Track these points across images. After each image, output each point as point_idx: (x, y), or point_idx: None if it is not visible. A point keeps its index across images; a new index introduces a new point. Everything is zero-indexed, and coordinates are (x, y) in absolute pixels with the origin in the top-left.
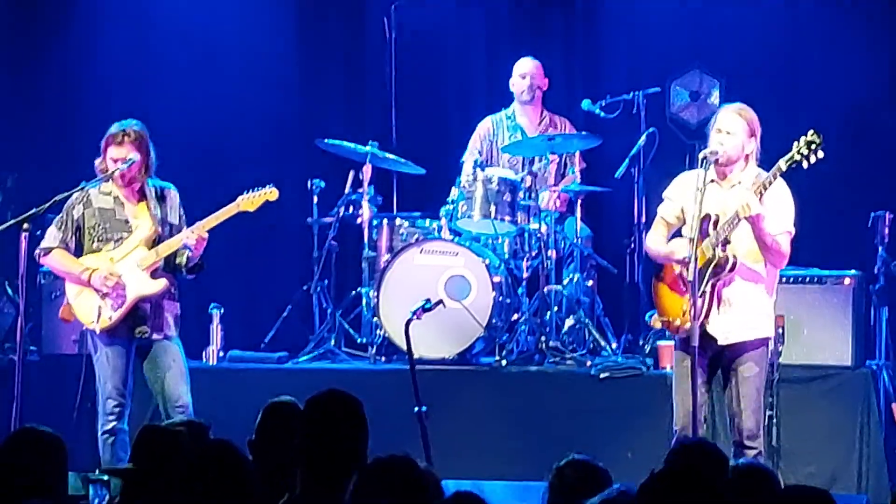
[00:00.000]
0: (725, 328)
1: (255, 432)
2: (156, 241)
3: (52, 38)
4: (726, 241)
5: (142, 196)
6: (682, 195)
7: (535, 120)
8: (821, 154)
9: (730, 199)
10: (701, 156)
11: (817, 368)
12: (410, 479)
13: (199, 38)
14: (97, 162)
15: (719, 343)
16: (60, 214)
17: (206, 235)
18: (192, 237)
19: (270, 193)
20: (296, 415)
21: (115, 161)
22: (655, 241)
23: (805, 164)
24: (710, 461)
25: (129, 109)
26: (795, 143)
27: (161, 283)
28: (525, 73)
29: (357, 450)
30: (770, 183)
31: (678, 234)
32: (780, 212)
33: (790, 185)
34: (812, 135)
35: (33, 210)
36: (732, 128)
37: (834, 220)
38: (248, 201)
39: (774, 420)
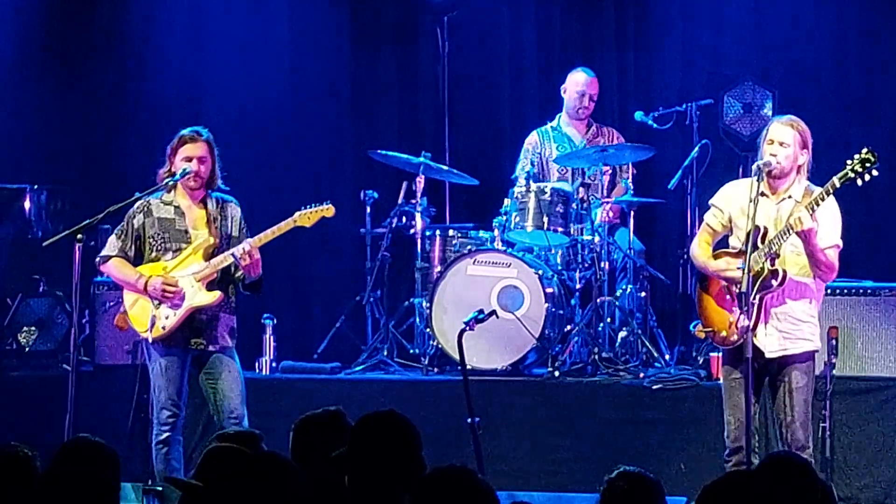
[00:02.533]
0: (772, 341)
1: (290, 451)
2: (213, 253)
3: (103, 55)
4: (776, 255)
5: (203, 207)
6: (730, 204)
7: (583, 130)
8: (875, 173)
9: (779, 211)
10: (755, 167)
11: (871, 380)
12: (469, 489)
13: (251, 52)
14: (161, 172)
15: (766, 356)
16: (121, 223)
17: (257, 254)
18: (240, 251)
19: (327, 210)
20: (328, 425)
21: (190, 160)
22: (701, 250)
23: (859, 182)
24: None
25: (180, 125)
26: (849, 162)
27: (215, 295)
28: (584, 89)
29: (406, 474)
30: (822, 199)
31: (723, 240)
32: (829, 226)
33: (844, 196)
34: (867, 153)
35: (87, 221)
36: (786, 139)
37: (888, 232)
38: (305, 217)
39: (828, 432)
